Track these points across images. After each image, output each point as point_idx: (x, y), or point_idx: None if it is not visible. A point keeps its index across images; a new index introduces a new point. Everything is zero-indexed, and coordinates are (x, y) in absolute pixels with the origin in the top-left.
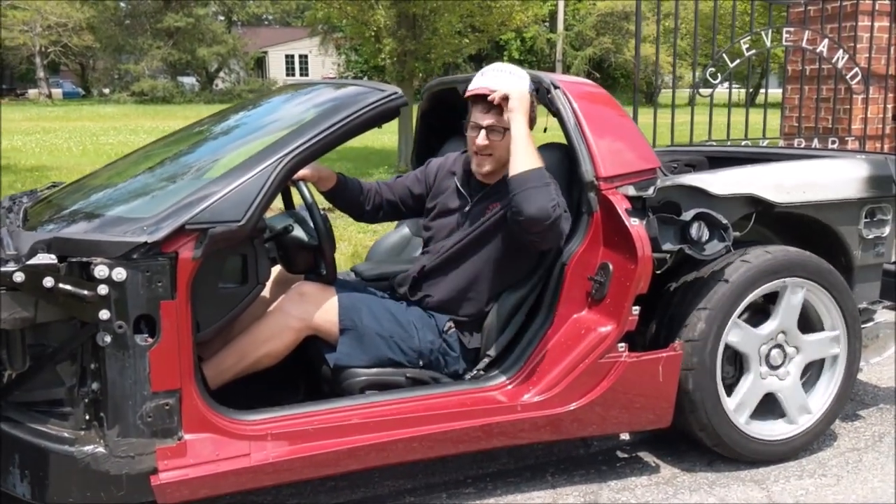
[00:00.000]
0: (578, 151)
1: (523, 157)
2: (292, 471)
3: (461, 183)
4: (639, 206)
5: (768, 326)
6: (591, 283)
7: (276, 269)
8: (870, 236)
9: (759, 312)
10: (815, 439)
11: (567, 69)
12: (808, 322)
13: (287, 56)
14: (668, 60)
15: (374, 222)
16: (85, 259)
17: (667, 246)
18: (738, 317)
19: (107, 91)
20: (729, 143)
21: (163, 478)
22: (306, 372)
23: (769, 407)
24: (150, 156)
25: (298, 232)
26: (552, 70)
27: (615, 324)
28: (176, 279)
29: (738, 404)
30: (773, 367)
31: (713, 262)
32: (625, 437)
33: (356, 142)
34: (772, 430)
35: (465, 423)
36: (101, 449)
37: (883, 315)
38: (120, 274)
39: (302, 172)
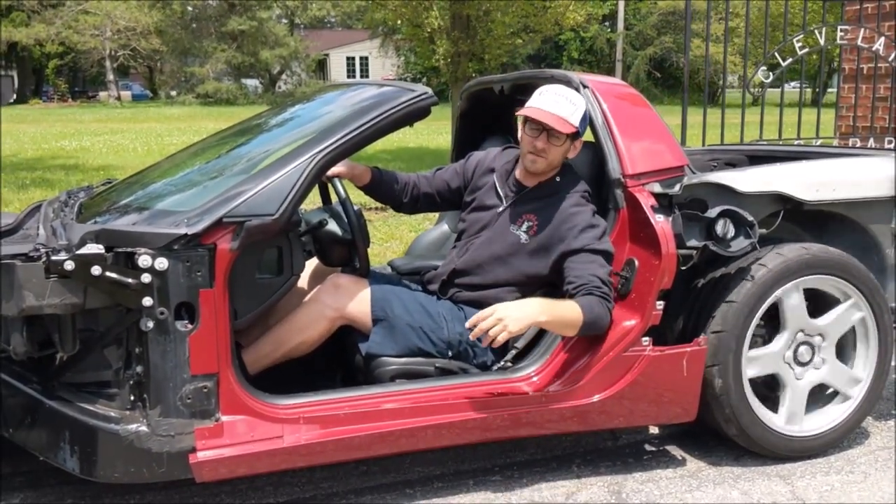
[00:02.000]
0: (606, 149)
1: (567, 327)
2: (323, 453)
3: (499, 182)
4: (665, 204)
5: (781, 338)
6: (616, 279)
7: (314, 263)
8: None
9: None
10: (877, 400)
11: (627, 69)
12: (826, 304)
13: (348, 58)
14: (730, 60)
15: (414, 213)
16: (130, 249)
17: (691, 242)
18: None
19: (173, 93)
20: (781, 142)
21: (200, 456)
22: (343, 362)
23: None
24: (196, 154)
25: (332, 226)
26: (612, 70)
27: (639, 318)
28: (214, 269)
29: (788, 416)
30: (805, 364)
31: (740, 258)
32: (654, 430)
33: (412, 142)
34: (831, 416)
35: (492, 411)
36: (144, 428)
37: None
38: (162, 263)
39: (336, 170)
